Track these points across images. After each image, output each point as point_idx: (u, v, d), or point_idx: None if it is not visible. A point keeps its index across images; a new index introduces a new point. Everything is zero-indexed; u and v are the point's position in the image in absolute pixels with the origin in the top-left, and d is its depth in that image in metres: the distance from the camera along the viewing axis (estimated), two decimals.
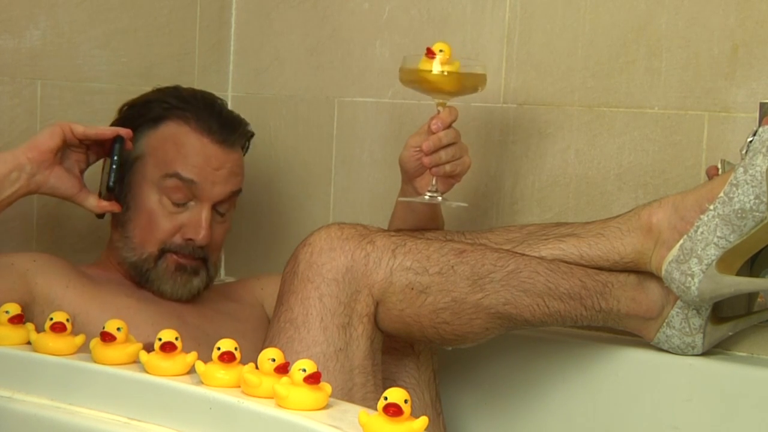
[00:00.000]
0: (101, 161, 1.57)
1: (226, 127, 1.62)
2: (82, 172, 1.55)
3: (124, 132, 1.54)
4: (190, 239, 1.58)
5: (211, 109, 1.63)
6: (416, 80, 1.49)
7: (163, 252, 1.58)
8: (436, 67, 1.47)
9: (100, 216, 1.59)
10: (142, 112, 1.62)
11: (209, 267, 1.63)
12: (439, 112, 1.50)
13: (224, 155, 1.60)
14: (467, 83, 1.50)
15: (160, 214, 1.58)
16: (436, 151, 1.49)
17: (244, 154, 1.67)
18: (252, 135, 1.69)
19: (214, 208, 1.60)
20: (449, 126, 1.50)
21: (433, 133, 1.49)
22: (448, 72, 1.47)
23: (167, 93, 1.65)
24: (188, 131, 1.59)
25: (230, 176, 1.61)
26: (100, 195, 1.55)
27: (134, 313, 1.52)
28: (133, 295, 1.57)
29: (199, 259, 1.60)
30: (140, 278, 1.60)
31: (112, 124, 1.63)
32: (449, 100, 1.51)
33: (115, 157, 1.52)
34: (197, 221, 1.58)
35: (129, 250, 1.59)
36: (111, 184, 1.52)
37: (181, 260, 1.59)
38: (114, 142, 1.53)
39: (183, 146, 1.58)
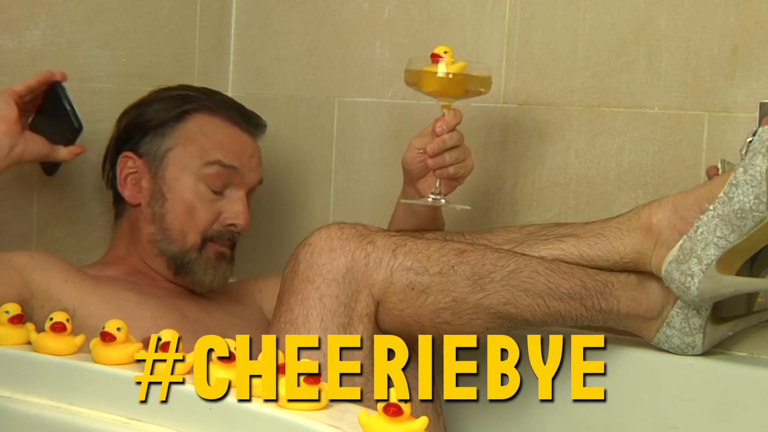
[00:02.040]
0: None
1: (249, 118, 1.69)
2: None
3: (59, 75, 1.57)
4: (231, 225, 1.61)
5: (229, 102, 1.70)
6: (421, 83, 1.49)
7: (204, 241, 1.60)
8: (441, 69, 1.47)
9: (51, 172, 1.63)
10: (162, 108, 1.64)
11: (234, 254, 1.66)
12: (443, 114, 1.50)
13: (253, 143, 1.67)
14: (472, 87, 1.50)
15: (199, 203, 1.60)
16: (440, 153, 1.49)
17: None
18: (266, 126, 1.73)
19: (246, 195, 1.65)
20: (453, 129, 1.50)
21: (438, 136, 1.49)
22: (453, 75, 1.47)
23: (180, 89, 1.68)
24: (219, 122, 1.64)
25: (259, 164, 1.67)
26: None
27: (134, 307, 1.52)
28: (133, 289, 1.56)
29: (234, 246, 1.64)
30: (179, 269, 1.61)
31: (117, 129, 1.67)
32: (454, 102, 1.51)
33: (68, 98, 1.56)
34: (237, 207, 1.62)
35: (169, 241, 1.60)
36: (77, 125, 1.56)
37: (221, 248, 1.62)
38: (53, 88, 1.56)
39: (218, 135, 1.63)
